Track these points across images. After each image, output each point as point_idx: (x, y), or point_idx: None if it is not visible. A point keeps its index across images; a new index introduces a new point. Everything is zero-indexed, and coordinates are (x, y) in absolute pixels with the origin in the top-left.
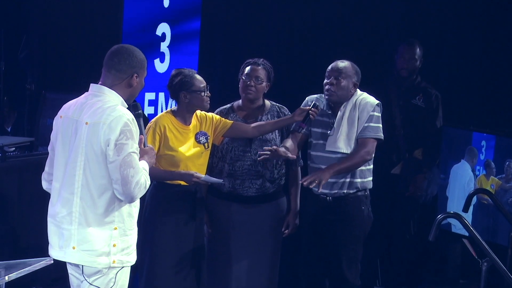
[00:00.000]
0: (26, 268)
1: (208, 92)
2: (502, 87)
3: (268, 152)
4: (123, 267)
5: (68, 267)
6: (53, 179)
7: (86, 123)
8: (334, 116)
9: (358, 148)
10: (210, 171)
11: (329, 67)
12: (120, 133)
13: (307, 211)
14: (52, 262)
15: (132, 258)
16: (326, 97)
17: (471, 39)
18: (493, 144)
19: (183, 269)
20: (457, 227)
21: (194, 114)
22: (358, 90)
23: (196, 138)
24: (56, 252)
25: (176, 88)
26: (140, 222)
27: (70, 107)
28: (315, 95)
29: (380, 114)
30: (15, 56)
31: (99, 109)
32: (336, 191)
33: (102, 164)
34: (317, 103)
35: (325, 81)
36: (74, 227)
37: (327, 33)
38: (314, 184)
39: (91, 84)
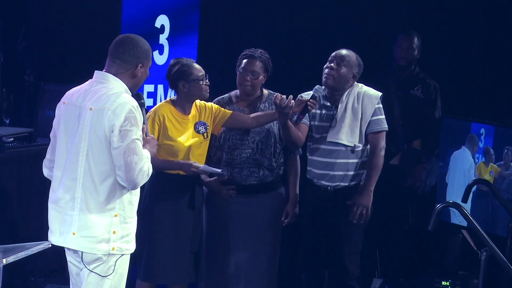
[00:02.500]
0: (24, 252)
1: (207, 81)
2: (501, 78)
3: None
4: (122, 254)
5: (67, 254)
6: (54, 166)
7: (90, 109)
8: (334, 108)
9: (372, 149)
10: (208, 160)
11: (333, 53)
12: (124, 120)
13: (307, 201)
14: (50, 246)
15: (131, 246)
16: (323, 79)
17: (470, 30)
18: (492, 132)
19: (182, 259)
20: (456, 214)
21: (193, 103)
22: (356, 82)
23: (195, 128)
24: (56, 238)
25: (175, 77)
26: (139, 212)
27: (73, 94)
28: (309, 92)
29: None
30: (14, 48)
31: (104, 96)
32: (338, 183)
33: (105, 150)
34: (316, 94)
35: (326, 65)
36: (75, 212)
37: (327, 24)
38: (363, 217)
39: (96, 71)
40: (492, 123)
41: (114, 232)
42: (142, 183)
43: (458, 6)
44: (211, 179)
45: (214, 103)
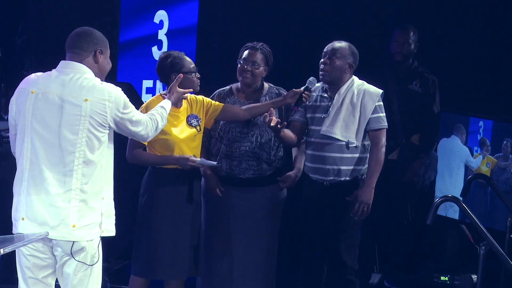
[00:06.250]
0: (22, 242)
1: (197, 74)
2: (500, 72)
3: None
4: (100, 240)
5: (31, 248)
6: (31, 157)
7: (86, 100)
8: (330, 100)
9: (374, 146)
10: (207, 152)
11: (325, 47)
12: (124, 107)
13: (305, 196)
14: (48, 235)
15: (114, 228)
16: (320, 77)
17: (469, 25)
18: (491, 126)
19: (181, 254)
20: (452, 207)
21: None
22: (356, 77)
23: (187, 121)
24: (44, 230)
25: (167, 70)
26: (137, 208)
27: (41, 82)
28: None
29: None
30: (12, 42)
31: (94, 87)
32: (332, 177)
33: (102, 138)
34: (310, 86)
35: (320, 60)
36: (73, 204)
37: (325, 19)
38: (364, 214)
39: (62, 61)
40: (491, 117)
41: (102, 214)
42: (154, 135)
43: (457, 0)
44: (210, 173)
45: (215, 95)
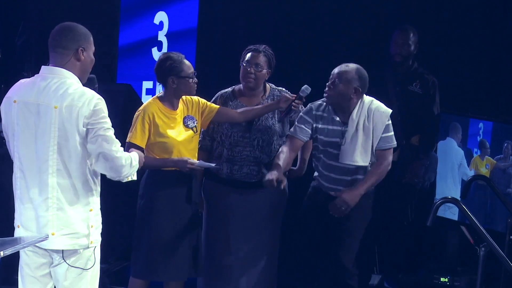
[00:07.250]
0: (22, 244)
1: (195, 78)
2: (500, 73)
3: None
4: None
5: (27, 250)
6: (19, 166)
7: (55, 107)
8: (343, 124)
9: (379, 161)
10: (209, 155)
11: (333, 70)
12: (95, 113)
13: (309, 200)
14: (48, 238)
15: (100, 236)
16: (325, 100)
17: (469, 25)
18: (490, 128)
19: (181, 255)
20: (449, 207)
21: (180, 98)
22: (365, 96)
23: (184, 123)
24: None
25: (165, 72)
26: (136, 211)
27: (23, 90)
28: (319, 101)
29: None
30: (12, 43)
31: (66, 93)
32: (341, 187)
33: (78, 146)
34: (302, 95)
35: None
36: (50, 213)
37: (325, 20)
38: (341, 212)
39: (43, 66)
40: (491, 118)
41: (92, 226)
42: (127, 172)
43: (457, 1)
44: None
45: (217, 97)
